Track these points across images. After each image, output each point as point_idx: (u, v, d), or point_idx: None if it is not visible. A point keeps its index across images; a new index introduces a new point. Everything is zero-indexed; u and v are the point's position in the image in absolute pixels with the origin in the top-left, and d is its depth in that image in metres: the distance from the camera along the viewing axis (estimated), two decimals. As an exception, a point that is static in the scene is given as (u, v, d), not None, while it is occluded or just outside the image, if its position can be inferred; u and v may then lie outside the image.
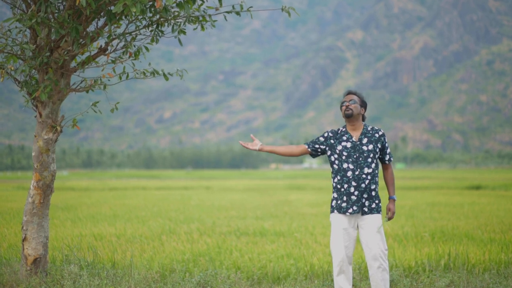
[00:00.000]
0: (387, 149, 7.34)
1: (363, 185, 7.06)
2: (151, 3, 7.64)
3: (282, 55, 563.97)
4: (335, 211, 7.21)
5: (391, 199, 7.31)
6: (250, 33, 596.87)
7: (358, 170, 7.08)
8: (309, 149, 7.33)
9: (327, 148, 7.29)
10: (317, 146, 7.32)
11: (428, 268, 9.71)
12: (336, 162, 7.19)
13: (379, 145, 7.22)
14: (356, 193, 7.07)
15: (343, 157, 7.15)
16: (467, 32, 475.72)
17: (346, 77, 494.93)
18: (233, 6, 7.91)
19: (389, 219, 7.26)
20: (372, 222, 7.11)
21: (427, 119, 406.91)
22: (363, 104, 7.36)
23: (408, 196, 34.12)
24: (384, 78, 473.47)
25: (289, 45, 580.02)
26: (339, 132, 7.31)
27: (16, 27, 7.60)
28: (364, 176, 7.07)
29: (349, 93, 7.38)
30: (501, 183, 48.45)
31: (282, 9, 7.76)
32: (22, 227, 8.21)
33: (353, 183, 7.07)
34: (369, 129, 7.29)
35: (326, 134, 7.33)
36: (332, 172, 7.27)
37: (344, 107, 7.25)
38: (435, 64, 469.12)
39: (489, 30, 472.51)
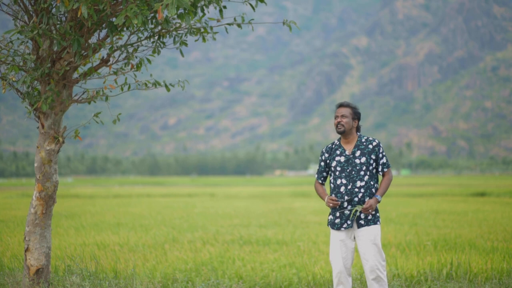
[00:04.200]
0: (381, 159, 7.26)
1: (356, 199, 7.08)
2: (152, 14, 7.68)
3: (286, 61, 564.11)
4: (330, 226, 7.27)
5: (375, 197, 7.13)
6: (255, 40, 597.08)
7: (351, 184, 7.11)
8: (321, 181, 7.46)
9: (327, 169, 7.38)
10: (324, 174, 7.43)
11: (430, 278, 9.70)
12: (332, 180, 7.27)
13: (373, 156, 7.20)
14: (349, 207, 7.09)
15: (337, 173, 7.20)
16: (472, 38, 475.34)
17: (351, 83, 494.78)
18: (234, 18, 7.94)
19: (363, 209, 7.02)
20: (369, 234, 7.11)
21: (432, 125, 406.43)
22: (356, 116, 7.28)
23: (413, 203, 34.08)
24: (389, 85, 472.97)
25: (294, 52, 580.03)
26: (333, 146, 7.34)
27: (18, 38, 7.65)
28: (356, 189, 7.09)
29: (341, 106, 7.32)
30: (506, 190, 48.33)
31: (284, 23, 7.78)
32: (25, 237, 8.23)
33: (346, 198, 7.09)
34: (363, 140, 7.26)
35: (323, 157, 7.40)
36: (330, 188, 7.32)
37: (336, 123, 7.23)
38: (440, 70, 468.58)
39: (494, 36, 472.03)
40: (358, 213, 7.03)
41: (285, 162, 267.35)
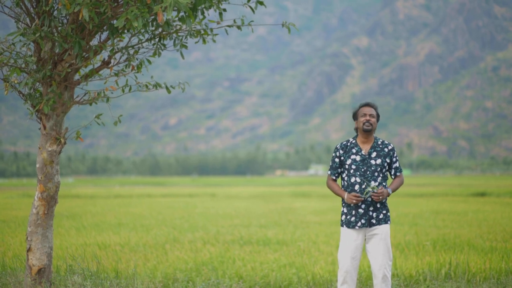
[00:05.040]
0: (394, 163, 7.38)
1: (369, 199, 7.16)
2: (153, 17, 7.75)
3: (287, 61, 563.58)
4: (345, 226, 7.32)
5: (387, 188, 7.25)
6: (256, 40, 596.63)
7: (365, 183, 7.18)
8: (334, 177, 7.50)
9: (341, 166, 7.43)
10: (339, 170, 7.46)
11: (428, 278, 9.77)
12: (346, 178, 7.32)
13: (387, 160, 7.30)
14: (363, 206, 7.18)
15: (351, 171, 7.26)
16: (472, 39, 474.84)
17: (352, 83, 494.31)
18: (234, 21, 8.01)
19: (375, 193, 7.10)
20: (380, 233, 7.22)
21: (433, 125, 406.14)
22: (378, 118, 7.42)
23: (413, 203, 34.12)
24: (390, 85, 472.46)
25: (295, 52, 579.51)
26: (348, 144, 7.40)
27: (20, 41, 7.71)
28: (370, 189, 7.15)
29: (368, 105, 7.41)
30: (506, 190, 48.34)
31: (283, 25, 7.85)
32: (27, 237, 8.30)
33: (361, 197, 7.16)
34: (379, 142, 7.36)
35: (338, 153, 7.42)
36: (342, 186, 7.37)
37: (364, 120, 7.30)
38: (440, 70, 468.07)
39: (494, 36, 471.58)
40: (372, 192, 7.05)
41: (286, 162, 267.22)
